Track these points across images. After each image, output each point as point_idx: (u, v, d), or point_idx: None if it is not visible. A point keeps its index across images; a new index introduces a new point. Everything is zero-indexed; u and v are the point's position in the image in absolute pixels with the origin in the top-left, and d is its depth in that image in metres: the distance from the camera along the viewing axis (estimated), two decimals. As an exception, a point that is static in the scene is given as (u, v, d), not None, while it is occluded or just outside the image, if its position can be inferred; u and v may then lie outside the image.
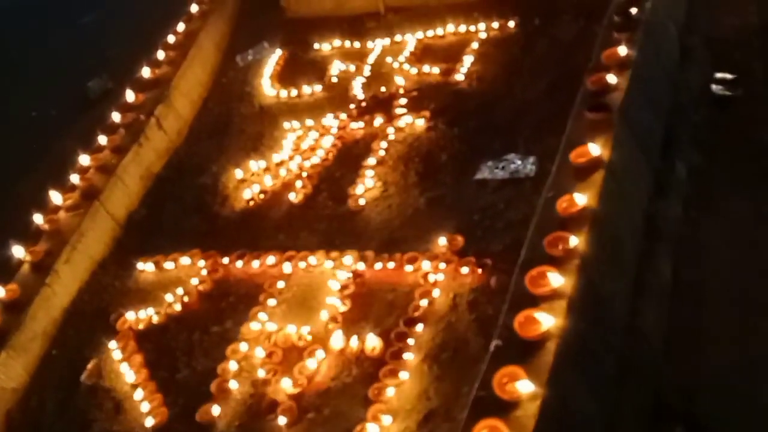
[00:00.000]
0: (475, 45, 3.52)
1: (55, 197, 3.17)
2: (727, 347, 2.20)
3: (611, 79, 2.58)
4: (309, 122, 3.48)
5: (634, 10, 2.82)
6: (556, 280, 2.05)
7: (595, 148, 2.34)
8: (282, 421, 2.33)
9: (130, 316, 2.85)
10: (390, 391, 2.27)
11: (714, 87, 2.93)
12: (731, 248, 2.44)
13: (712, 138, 2.75)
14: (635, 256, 2.36)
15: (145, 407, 2.52)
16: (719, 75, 2.94)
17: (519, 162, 2.84)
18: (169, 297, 2.86)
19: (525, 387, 1.83)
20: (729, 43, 3.11)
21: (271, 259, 2.85)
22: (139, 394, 2.57)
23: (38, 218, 3.09)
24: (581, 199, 2.22)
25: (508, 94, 3.19)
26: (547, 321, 1.95)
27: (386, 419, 2.20)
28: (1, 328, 2.76)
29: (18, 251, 2.98)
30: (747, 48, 3.05)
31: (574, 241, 2.13)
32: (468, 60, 3.45)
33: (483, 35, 3.57)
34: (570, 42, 3.29)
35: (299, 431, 2.31)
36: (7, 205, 3.81)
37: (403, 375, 2.31)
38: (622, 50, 2.67)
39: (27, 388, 2.76)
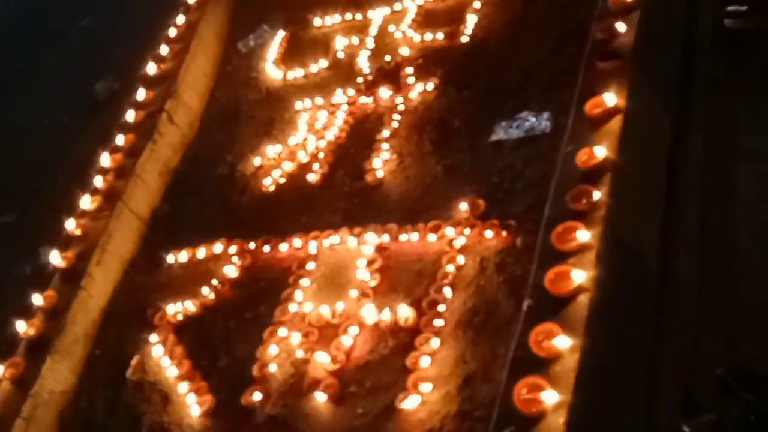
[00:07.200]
0: (477, 4, 3.46)
1: (84, 202, 3.22)
2: (761, 285, 2.18)
3: (620, 25, 2.53)
4: (319, 101, 3.47)
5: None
6: (582, 234, 2.04)
7: (610, 98, 2.31)
8: (324, 397, 2.38)
9: (167, 310, 2.91)
10: (427, 359, 2.31)
11: (727, 21, 2.86)
12: (757, 186, 2.41)
13: (729, 76, 2.68)
14: (661, 203, 2.34)
15: (191, 396, 2.59)
16: (731, 8, 2.86)
17: (533, 119, 2.80)
18: (205, 289, 2.91)
19: (562, 342, 1.85)
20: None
21: (296, 242, 2.88)
22: (184, 385, 2.64)
23: (70, 224, 3.14)
24: (600, 151, 2.20)
25: (515, 51, 3.12)
26: (577, 276, 1.96)
27: (426, 386, 2.24)
28: (43, 334, 2.84)
29: (51, 258, 3.05)
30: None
31: (597, 194, 2.12)
32: (471, 20, 3.39)
33: (483, -7, 3.49)
34: (574, -8, 3.20)
35: (343, 406, 2.36)
36: (34, 213, 3.90)
37: (438, 342, 2.34)
38: (629, -7, 2.61)
39: (75, 390, 2.84)
